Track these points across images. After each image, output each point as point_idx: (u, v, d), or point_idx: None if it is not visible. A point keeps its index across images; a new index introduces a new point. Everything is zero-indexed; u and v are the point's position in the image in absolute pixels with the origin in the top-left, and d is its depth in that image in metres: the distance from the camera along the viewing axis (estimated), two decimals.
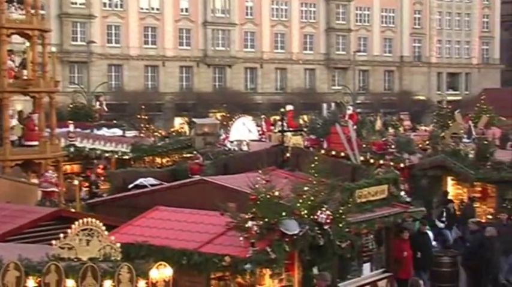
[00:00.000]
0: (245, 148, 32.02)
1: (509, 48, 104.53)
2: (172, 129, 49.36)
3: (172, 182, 17.77)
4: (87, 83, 63.16)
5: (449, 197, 24.37)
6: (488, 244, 17.13)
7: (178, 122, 64.32)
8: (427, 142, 32.37)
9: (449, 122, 38.38)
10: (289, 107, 34.65)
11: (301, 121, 41.44)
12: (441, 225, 21.92)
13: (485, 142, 26.17)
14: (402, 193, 18.96)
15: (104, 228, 9.54)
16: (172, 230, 13.06)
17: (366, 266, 15.38)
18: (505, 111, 50.58)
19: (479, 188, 24.52)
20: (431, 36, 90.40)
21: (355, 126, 28.45)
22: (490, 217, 23.48)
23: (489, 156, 24.31)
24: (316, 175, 13.23)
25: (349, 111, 33.03)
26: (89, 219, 9.49)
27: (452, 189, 25.02)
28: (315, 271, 12.84)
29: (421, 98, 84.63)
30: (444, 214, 22.38)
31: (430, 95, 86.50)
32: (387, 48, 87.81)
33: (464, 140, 29.18)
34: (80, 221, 9.42)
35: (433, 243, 19.97)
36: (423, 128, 50.63)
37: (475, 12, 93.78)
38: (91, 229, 9.41)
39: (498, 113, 46.29)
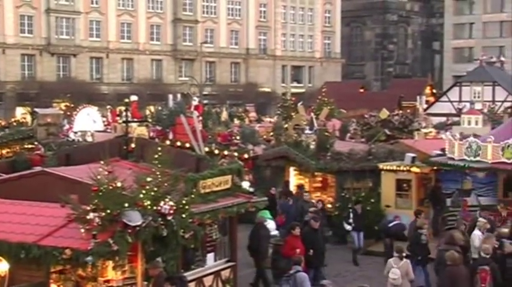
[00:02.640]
0: (90, 139, 31.38)
1: (349, 43, 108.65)
2: (13, 119, 47.50)
3: (11, 173, 17.12)
4: None
5: (291, 187, 24.98)
6: (312, 233, 17.55)
7: (20, 112, 62.05)
8: (271, 133, 33.11)
9: (293, 113, 39.41)
10: (134, 98, 34.29)
11: (147, 112, 41.15)
12: (348, 227, 21.33)
13: (326, 134, 27.08)
14: (246, 183, 19.27)
15: None
16: (10, 223, 12.61)
17: (210, 256, 15.46)
18: (345, 104, 52.57)
19: (320, 178, 25.32)
20: (276, 30, 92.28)
21: (200, 118, 28.62)
22: (329, 205, 24.32)
23: (329, 147, 25.15)
24: (160, 165, 13.18)
25: (195, 103, 33.13)
26: None
27: (295, 179, 25.68)
28: (159, 260, 12.81)
29: (266, 90, 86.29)
30: (351, 215, 21.34)
31: (275, 87, 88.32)
32: (234, 40, 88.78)
33: (307, 131, 30.03)
34: None
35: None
36: (268, 119, 51.65)
37: (317, 8, 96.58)
38: None
39: (338, 106, 47.99)
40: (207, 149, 22.47)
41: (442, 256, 15.16)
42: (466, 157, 20.43)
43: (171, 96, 44.85)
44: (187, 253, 14.24)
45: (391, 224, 20.71)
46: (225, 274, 15.59)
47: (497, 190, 23.91)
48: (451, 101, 62.91)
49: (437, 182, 23.20)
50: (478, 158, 20.22)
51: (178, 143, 24.83)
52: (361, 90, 76.37)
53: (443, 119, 49.91)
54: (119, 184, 12.34)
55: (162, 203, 12.58)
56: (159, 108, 37.50)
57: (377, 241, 21.99)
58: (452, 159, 21.29)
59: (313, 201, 22.65)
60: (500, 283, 14.50)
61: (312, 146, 25.72)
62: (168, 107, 35.43)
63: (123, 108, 27.09)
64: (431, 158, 22.94)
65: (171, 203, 12.67)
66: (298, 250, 16.10)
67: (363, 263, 20.56)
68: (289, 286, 14.30)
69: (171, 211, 12.62)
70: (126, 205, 12.11)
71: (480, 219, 17.72)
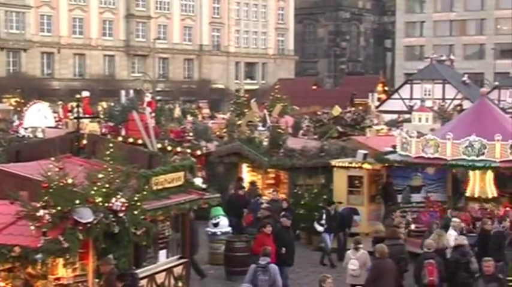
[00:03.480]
0: (40, 135, 31.03)
1: (302, 40, 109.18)
2: None
3: None
4: None
5: (244, 183, 25.02)
6: (284, 231, 17.61)
7: None
8: (224, 130, 33.08)
9: (246, 110, 39.40)
10: (85, 94, 33.91)
11: (99, 108, 40.79)
12: (320, 228, 20.72)
13: (279, 130, 27.17)
14: (199, 180, 19.25)
15: None
16: None
17: (162, 253, 15.40)
18: (298, 101, 52.79)
19: (273, 175, 25.43)
20: (229, 26, 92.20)
21: (153, 114, 28.47)
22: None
23: (282, 144, 25.26)
24: (111, 162, 13.09)
25: (148, 99, 32.94)
26: None
27: (248, 175, 25.74)
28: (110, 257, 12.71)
29: (220, 86, 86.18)
30: (324, 216, 20.67)
31: (228, 84, 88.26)
32: (187, 36, 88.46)
33: (259, 128, 30.04)
34: None
35: (228, 229, 20.51)
36: (221, 116, 51.57)
37: (271, 4, 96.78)
38: None
39: (291, 102, 48.17)
40: (159, 145, 22.37)
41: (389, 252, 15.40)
42: (465, 157, 20.23)
43: (123, 93, 44.55)
44: (139, 249, 14.15)
45: (340, 209, 21.34)
46: (178, 270, 15.52)
47: (447, 186, 24.34)
48: (403, 99, 63.71)
49: (388, 179, 23.45)
50: (482, 157, 20.04)
51: (131, 140, 24.75)
52: (314, 87, 76.76)
53: (395, 116, 50.50)
54: (69, 181, 12.22)
55: (113, 199, 12.49)
56: (112, 104, 37.23)
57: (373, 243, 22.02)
58: (408, 156, 21.42)
59: (269, 198, 22.60)
60: (444, 275, 14.98)
61: (264, 143, 25.79)
62: (120, 103, 35.20)
63: (74, 104, 26.79)
64: (384, 155, 23.13)
65: (123, 199, 12.59)
66: (269, 248, 15.84)
67: (316, 258, 20.68)
68: (267, 277, 14.39)
69: (123, 208, 12.53)
70: (77, 201, 12.01)
71: (454, 219, 17.90)
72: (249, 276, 14.45)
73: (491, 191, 21.39)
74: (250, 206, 22.27)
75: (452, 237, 16.93)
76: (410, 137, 21.36)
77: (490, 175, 21.35)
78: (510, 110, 45.01)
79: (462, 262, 15.18)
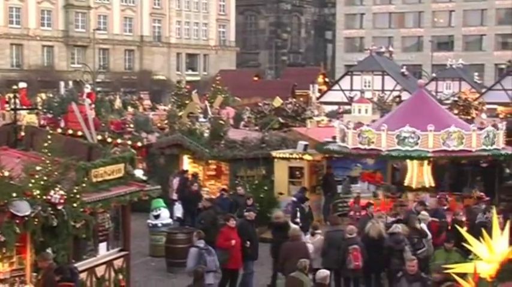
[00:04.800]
0: None
1: (244, 31, 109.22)
2: None
3: None
4: None
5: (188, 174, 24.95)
6: (248, 225, 17.56)
7: None
8: (165, 121, 32.94)
9: (187, 101, 39.27)
10: (22, 85, 33.36)
11: (38, 99, 40.15)
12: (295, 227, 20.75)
13: (220, 122, 27.18)
14: (139, 172, 19.12)
15: None
16: None
17: (102, 246, 15.27)
18: (239, 92, 52.86)
19: (214, 166, 25.43)
20: (170, 17, 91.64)
21: (93, 105, 28.20)
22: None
23: (223, 135, 25.27)
24: (50, 154, 12.92)
25: (87, 90, 32.60)
26: None
27: (189, 167, 25.68)
28: (49, 252, 12.56)
29: (161, 77, 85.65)
30: (298, 215, 19.95)
31: (169, 75, 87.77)
32: (127, 27, 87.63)
33: (201, 119, 30.03)
34: None
35: (169, 221, 20.43)
36: (162, 107, 51.30)
37: None
38: None
39: (233, 94, 48.20)
40: (99, 137, 22.11)
41: (331, 238, 15.97)
42: (400, 147, 20.42)
43: (62, 84, 43.97)
44: (78, 242, 14.01)
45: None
46: (118, 263, 15.42)
47: (386, 176, 24.74)
48: (343, 90, 64.37)
49: (328, 170, 23.69)
50: (416, 147, 20.32)
51: (70, 131, 24.46)
52: (256, 78, 76.89)
53: (335, 107, 51.04)
54: (6, 173, 12.03)
55: (52, 192, 12.33)
56: (50, 95, 36.72)
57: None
58: (346, 147, 21.66)
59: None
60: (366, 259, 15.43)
61: (206, 134, 25.76)
62: (59, 95, 34.77)
63: (11, 95, 26.33)
64: (324, 146, 23.33)
65: (62, 192, 12.44)
66: (233, 241, 15.96)
67: None
68: (212, 257, 14.68)
69: (62, 200, 12.39)
70: (14, 194, 11.81)
71: (423, 212, 18.14)
72: (194, 259, 14.52)
73: (429, 181, 21.78)
74: (214, 201, 22.19)
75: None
76: (348, 128, 21.61)
77: (427, 165, 21.74)
78: (447, 102, 45.97)
79: (396, 249, 15.50)
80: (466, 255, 14.41)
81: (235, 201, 21.04)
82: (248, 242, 16.52)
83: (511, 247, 6.73)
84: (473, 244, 6.85)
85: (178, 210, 22.37)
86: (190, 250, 14.89)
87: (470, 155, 20.67)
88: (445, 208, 20.10)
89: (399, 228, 16.06)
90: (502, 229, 6.97)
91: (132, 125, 28.24)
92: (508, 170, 27.39)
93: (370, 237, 16.01)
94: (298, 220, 19.66)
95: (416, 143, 20.09)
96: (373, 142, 20.78)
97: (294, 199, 21.40)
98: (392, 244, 15.65)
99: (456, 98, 48.24)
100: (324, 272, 13.06)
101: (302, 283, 13.13)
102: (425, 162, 21.40)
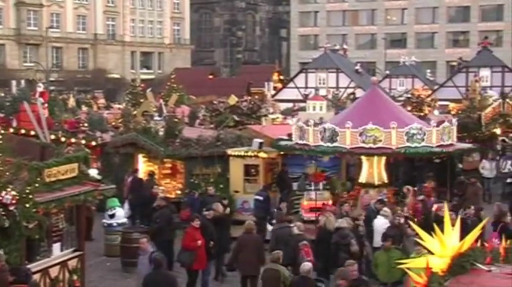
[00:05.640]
0: None
1: (198, 29, 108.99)
2: None
3: None
4: None
5: (141, 174, 24.83)
6: (209, 225, 17.57)
7: None
8: (120, 120, 32.69)
9: (142, 100, 39.05)
10: None
11: None
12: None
13: (175, 120, 27.08)
14: (94, 171, 18.94)
15: None
16: None
17: (56, 246, 15.13)
18: (194, 90, 52.75)
19: (169, 165, 25.32)
20: (124, 15, 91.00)
21: (46, 104, 27.87)
22: (179, 192, 24.38)
23: (178, 133, 25.16)
24: (1, 154, 12.75)
25: (40, 89, 32.16)
26: None
27: (144, 166, 25.53)
28: (1, 253, 12.39)
29: (116, 76, 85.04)
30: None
31: (124, 74, 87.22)
32: (81, 25, 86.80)
33: (155, 118, 29.88)
34: None
35: (124, 221, 20.28)
36: (117, 106, 50.90)
37: None
38: None
39: (188, 92, 48.07)
40: (53, 136, 21.90)
41: (278, 235, 16.35)
42: (363, 145, 20.45)
43: (14, 83, 43.38)
44: (31, 243, 13.85)
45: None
46: (72, 263, 15.29)
47: (342, 173, 24.88)
48: (298, 88, 64.51)
49: (283, 167, 23.75)
50: (379, 145, 20.35)
51: (23, 131, 24.11)
52: (211, 76, 76.70)
53: (290, 105, 51.17)
54: None
55: (3, 193, 12.20)
56: (2, 94, 36.20)
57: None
58: (307, 145, 21.63)
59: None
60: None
61: (160, 133, 25.62)
62: (11, 94, 34.27)
63: None
64: (278, 143, 23.35)
65: (13, 192, 12.31)
66: (199, 242, 15.98)
67: None
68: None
69: (14, 201, 12.26)
70: None
71: (385, 209, 18.25)
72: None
73: (382, 178, 21.96)
74: (186, 201, 22.06)
75: (380, 225, 17.35)
76: (308, 125, 21.63)
77: (382, 162, 21.91)
78: (400, 99, 46.43)
79: (342, 243, 15.71)
80: (405, 252, 14.74)
81: (204, 201, 20.95)
82: (211, 242, 16.56)
83: (461, 241, 6.85)
84: (426, 239, 6.94)
85: (126, 210, 22.13)
86: (142, 258, 14.78)
87: (431, 151, 20.84)
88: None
89: (345, 223, 16.32)
90: (453, 224, 7.08)
91: (86, 124, 28.00)
92: (460, 165, 27.90)
93: (327, 230, 16.29)
94: (274, 221, 19.34)
95: (380, 141, 20.19)
96: (336, 140, 20.77)
97: (260, 197, 21.48)
98: (338, 238, 15.83)
99: (409, 95, 48.70)
100: (307, 265, 13.37)
101: (279, 273, 13.48)
102: (382, 158, 21.55)
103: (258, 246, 15.82)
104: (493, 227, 17.68)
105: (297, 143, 21.89)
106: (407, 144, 20.22)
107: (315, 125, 21.36)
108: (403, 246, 16.01)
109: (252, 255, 15.62)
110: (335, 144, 20.27)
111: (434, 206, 19.21)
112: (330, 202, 21.28)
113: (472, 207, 19.10)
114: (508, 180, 26.67)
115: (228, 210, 19.48)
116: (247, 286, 16.01)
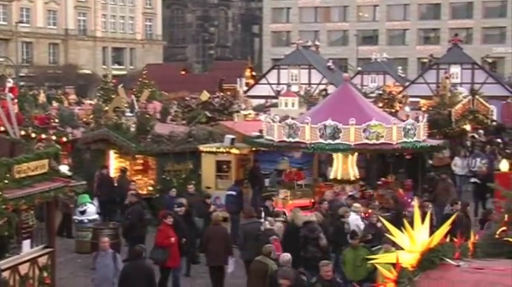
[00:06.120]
0: None
1: (171, 25, 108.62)
2: None
3: None
4: None
5: (112, 170, 24.72)
6: (181, 222, 17.54)
7: None
8: (91, 116, 32.46)
9: (113, 96, 38.83)
10: None
11: None
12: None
13: (147, 116, 26.96)
14: (64, 167, 18.83)
15: None
16: None
17: (26, 243, 15.01)
18: (166, 86, 52.59)
19: (141, 161, 25.24)
20: (96, 10, 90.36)
21: (15, 100, 27.62)
22: (151, 188, 24.31)
23: (150, 129, 25.08)
24: None
25: (10, 84, 31.86)
26: None
27: (116, 162, 25.43)
28: None
29: (87, 72, 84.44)
30: (263, 215, 18.74)
31: (95, 69, 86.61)
32: (51, 20, 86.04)
33: (127, 114, 29.69)
34: None
35: (95, 217, 20.18)
36: (88, 102, 50.54)
37: None
38: None
39: (160, 88, 47.88)
40: (23, 132, 21.75)
41: (247, 230, 16.53)
42: (322, 140, 20.52)
43: None
44: (0, 240, 13.73)
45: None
46: (42, 260, 15.18)
47: (313, 169, 25.00)
48: (270, 84, 64.59)
49: (255, 163, 23.80)
50: (337, 141, 20.43)
51: None
52: (183, 72, 76.55)
53: (262, 101, 51.23)
54: None
55: None
56: None
57: None
58: (272, 141, 21.76)
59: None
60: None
61: (132, 129, 25.50)
62: None
63: None
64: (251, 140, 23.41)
65: None
66: (172, 239, 15.95)
67: None
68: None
69: None
70: None
71: (355, 205, 18.30)
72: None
73: (354, 174, 22.12)
74: (164, 201, 21.90)
75: (354, 220, 17.34)
76: (273, 121, 21.76)
77: (352, 158, 22.06)
78: (372, 95, 46.73)
79: (311, 237, 15.85)
80: (371, 250, 14.87)
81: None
82: (184, 239, 16.54)
83: (431, 236, 6.91)
84: (396, 234, 6.98)
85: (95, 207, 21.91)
86: (103, 258, 14.85)
87: (391, 148, 21.05)
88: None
89: (314, 217, 16.50)
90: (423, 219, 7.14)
91: (56, 120, 27.76)
92: (430, 162, 28.14)
93: (294, 225, 16.55)
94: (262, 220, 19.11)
95: (338, 137, 20.36)
96: (297, 135, 20.93)
97: (233, 192, 21.48)
98: (307, 232, 15.93)
99: (381, 92, 49.05)
100: (287, 256, 13.52)
101: (267, 266, 13.57)
102: (352, 155, 21.72)
103: (225, 238, 16.24)
104: (480, 225, 17.83)
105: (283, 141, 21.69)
106: (404, 139, 20.60)
107: (280, 120, 21.63)
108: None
109: (219, 246, 15.94)
110: (337, 141, 20.39)
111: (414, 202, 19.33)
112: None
113: (460, 203, 18.99)
114: (472, 179, 26.85)
115: (212, 208, 19.49)
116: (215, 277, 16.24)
